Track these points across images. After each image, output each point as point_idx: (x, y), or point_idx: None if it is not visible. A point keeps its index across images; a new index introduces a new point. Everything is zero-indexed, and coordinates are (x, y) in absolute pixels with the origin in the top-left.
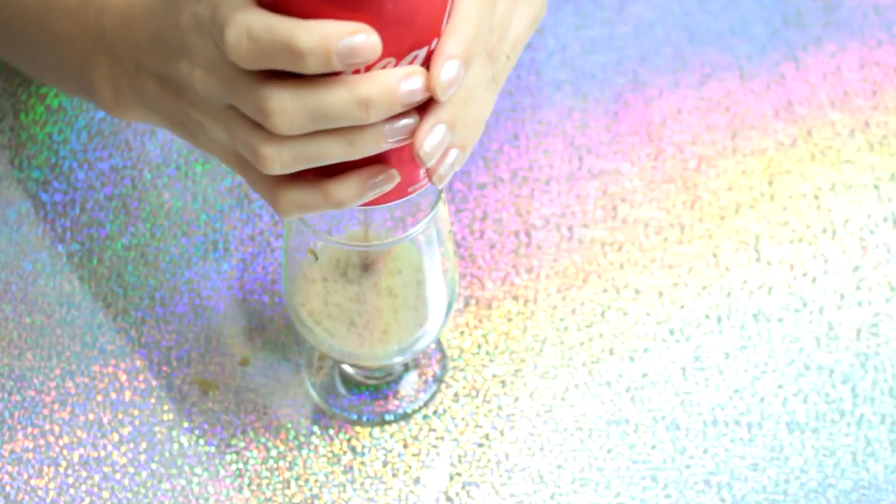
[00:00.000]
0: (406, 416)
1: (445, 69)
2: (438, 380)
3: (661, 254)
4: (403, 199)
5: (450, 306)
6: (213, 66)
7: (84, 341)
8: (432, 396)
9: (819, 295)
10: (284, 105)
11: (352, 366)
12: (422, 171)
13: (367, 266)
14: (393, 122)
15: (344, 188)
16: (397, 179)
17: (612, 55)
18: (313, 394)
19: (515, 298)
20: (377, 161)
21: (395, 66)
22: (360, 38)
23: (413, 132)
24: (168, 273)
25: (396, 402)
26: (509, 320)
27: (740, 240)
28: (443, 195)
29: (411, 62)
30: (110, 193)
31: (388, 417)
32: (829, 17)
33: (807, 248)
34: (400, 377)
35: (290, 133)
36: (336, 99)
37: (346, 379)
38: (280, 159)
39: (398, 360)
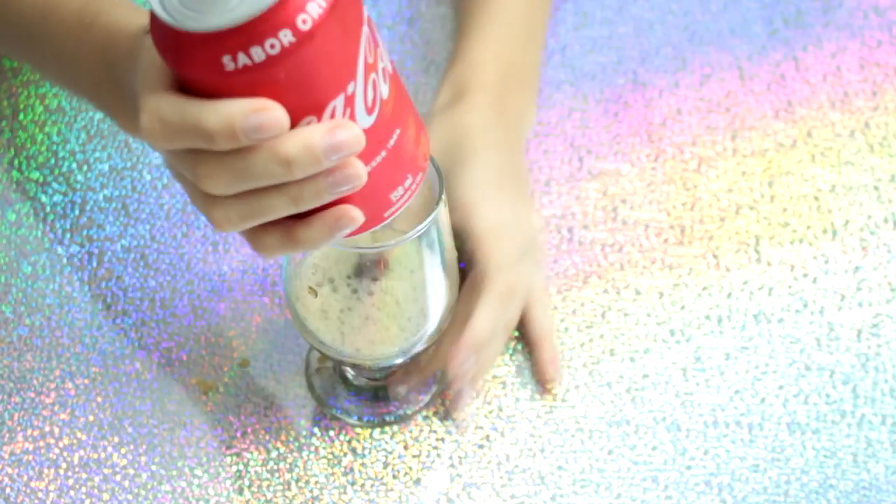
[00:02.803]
0: (406, 418)
1: (460, 358)
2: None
3: (662, 255)
4: (383, 224)
5: (449, 307)
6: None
7: (84, 343)
8: (432, 398)
9: (819, 296)
10: (211, 170)
11: (352, 367)
12: (393, 195)
13: (367, 268)
14: (331, 176)
15: (310, 231)
16: (360, 220)
17: (612, 55)
18: (314, 395)
19: None
20: (343, 202)
21: (319, 120)
22: (265, 115)
23: (356, 179)
24: (168, 275)
25: (396, 404)
26: None
27: (741, 241)
28: (443, 196)
29: (332, 114)
30: (110, 195)
31: (388, 419)
32: (828, 17)
33: (807, 248)
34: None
35: (223, 194)
36: (258, 160)
37: (346, 381)
38: (228, 220)
39: (398, 361)
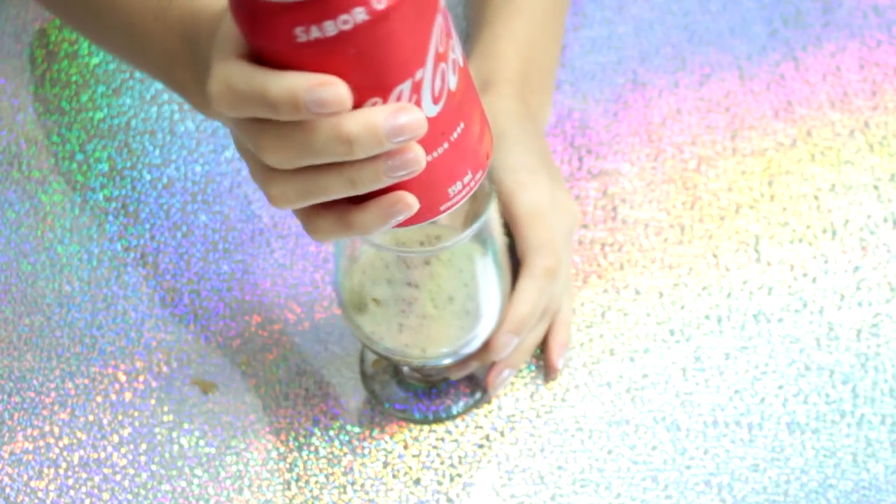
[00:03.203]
0: (467, 410)
1: (502, 341)
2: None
3: (661, 254)
4: (438, 217)
5: (502, 309)
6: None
7: (84, 342)
8: (483, 396)
9: (819, 295)
10: (272, 141)
11: (406, 365)
12: (451, 189)
13: (420, 268)
14: (391, 159)
15: (365, 216)
16: (416, 207)
17: (611, 55)
18: (368, 391)
19: None
20: (399, 188)
21: (385, 102)
22: (328, 90)
23: (414, 164)
24: (168, 274)
25: (452, 401)
26: None
27: (740, 240)
28: (494, 197)
29: (398, 97)
30: (110, 195)
31: (443, 415)
32: (828, 17)
33: (807, 248)
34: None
35: (283, 167)
36: (319, 136)
37: (401, 378)
38: (285, 196)
39: (447, 361)
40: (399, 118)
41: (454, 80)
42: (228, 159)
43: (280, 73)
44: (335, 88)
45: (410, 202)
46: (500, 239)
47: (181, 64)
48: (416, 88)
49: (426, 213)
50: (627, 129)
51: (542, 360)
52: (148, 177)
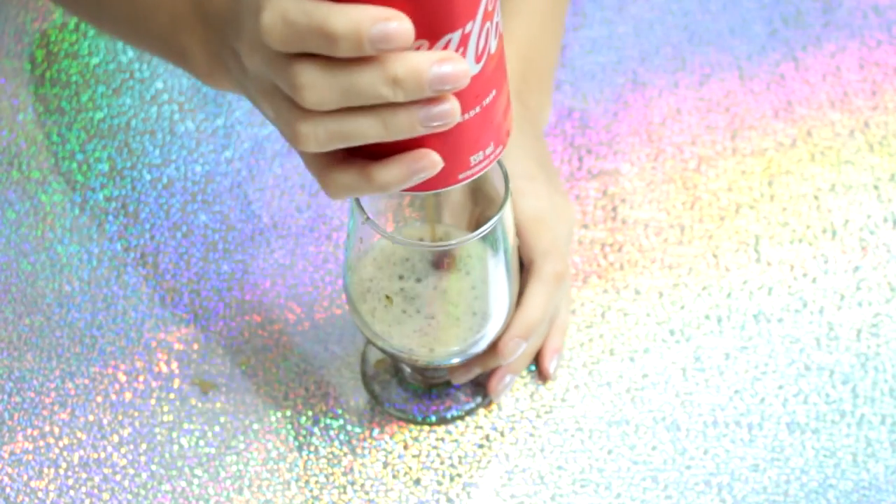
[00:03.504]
0: (470, 413)
1: (511, 346)
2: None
3: (661, 254)
4: (455, 186)
5: (510, 310)
6: (256, 45)
7: (84, 343)
8: (484, 398)
9: (819, 295)
10: (314, 80)
11: (409, 366)
12: (473, 158)
13: (432, 266)
14: (428, 107)
15: (387, 171)
16: (440, 165)
17: (611, 55)
18: (368, 391)
19: None
20: (423, 147)
21: (430, 48)
22: (393, 24)
23: (450, 116)
24: (168, 274)
25: (452, 401)
26: None
27: (740, 240)
28: (510, 194)
29: (445, 46)
30: (110, 195)
31: (447, 416)
32: (828, 17)
33: (807, 248)
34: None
35: (320, 108)
36: (364, 76)
37: (402, 379)
38: (315, 137)
39: (456, 361)
40: (445, 66)
41: (494, 43)
42: (228, 159)
43: (342, 6)
44: (401, 23)
45: (435, 160)
46: (512, 240)
47: (187, 28)
48: (464, 41)
49: (446, 178)
50: (627, 129)
51: (535, 364)
52: (148, 177)
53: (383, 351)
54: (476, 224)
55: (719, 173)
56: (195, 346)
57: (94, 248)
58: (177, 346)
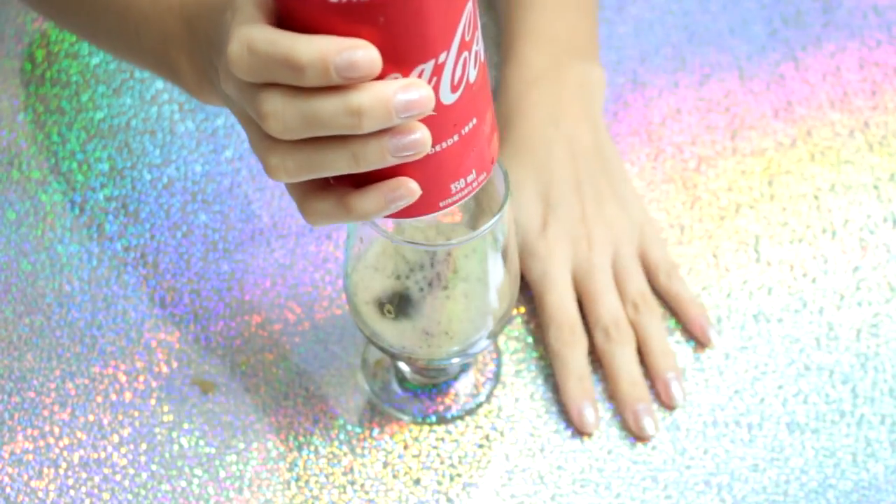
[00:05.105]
0: (470, 413)
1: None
2: (496, 377)
3: None
4: (436, 214)
5: (510, 308)
6: (228, 73)
7: (84, 342)
8: (489, 395)
9: (819, 295)
10: (278, 108)
11: (407, 364)
12: (454, 185)
13: (431, 265)
14: (397, 137)
15: (365, 200)
16: (418, 193)
17: (611, 55)
18: (368, 391)
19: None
20: (401, 175)
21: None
22: (360, 52)
23: (420, 146)
24: (168, 274)
25: (452, 401)
26: (509, 321)
27: (740, 240)
28: (509, 196)
29: (419, 76)
30: (110, 195)
31: (447, 416)
32: (828, 17)
33: (806, 248)
34: (457, 376)
35: (285, 137)
36: (328, 105)
37: (402, 378)
38: (284, 167)
39: (455, 360)
40: (411, 93)
41: (474, 73)
42: (228, 159)
43: (308, 37)
44: (367, 52)
45: (413, 188)
46: (512, 240)
47: (176, 45)
48: (438, 71)
49: (426, 206)
50: (627, 129)
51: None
52: (148, 177)
53: (383, 351)
54: (476, 224)
55: (719, 173)
56: (195, 346)
57: (94, 248)
58: (177, 346)
